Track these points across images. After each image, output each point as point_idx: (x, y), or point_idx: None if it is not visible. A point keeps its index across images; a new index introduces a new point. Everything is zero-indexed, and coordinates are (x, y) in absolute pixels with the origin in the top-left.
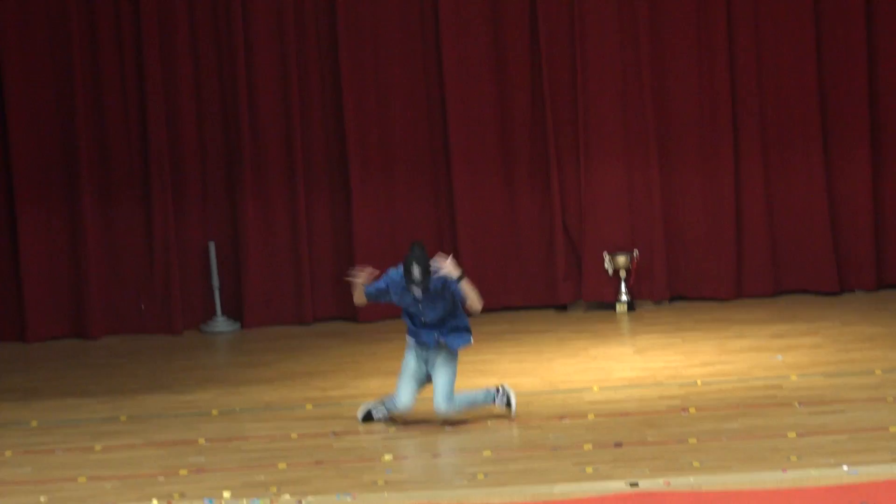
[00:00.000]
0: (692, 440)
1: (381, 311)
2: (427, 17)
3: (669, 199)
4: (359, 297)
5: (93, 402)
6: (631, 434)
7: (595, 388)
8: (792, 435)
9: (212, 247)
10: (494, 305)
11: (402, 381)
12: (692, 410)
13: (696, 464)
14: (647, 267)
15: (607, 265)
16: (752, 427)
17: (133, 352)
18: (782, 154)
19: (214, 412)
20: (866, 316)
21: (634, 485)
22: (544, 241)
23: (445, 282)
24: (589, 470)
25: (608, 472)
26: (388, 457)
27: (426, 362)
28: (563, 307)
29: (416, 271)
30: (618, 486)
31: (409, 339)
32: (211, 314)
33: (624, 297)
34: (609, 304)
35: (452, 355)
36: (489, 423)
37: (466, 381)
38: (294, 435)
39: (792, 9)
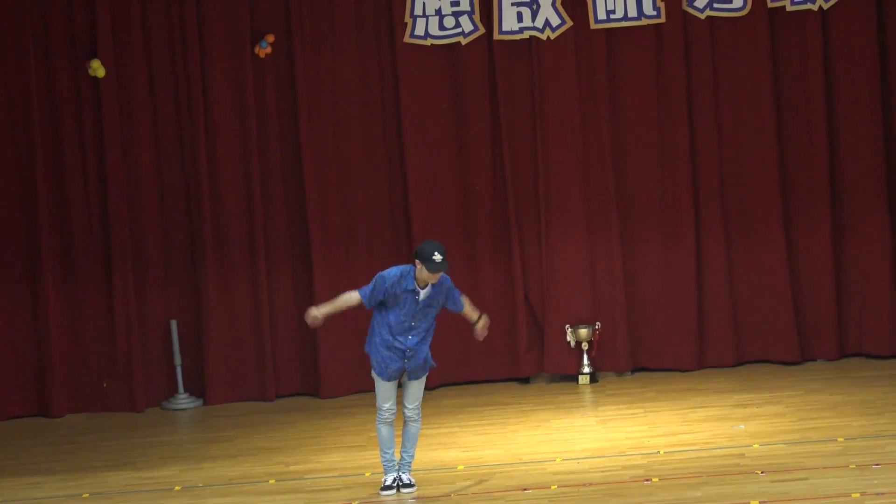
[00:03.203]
0: None
1: (344, 387)
2: (387, 93)
3: (631, 271)
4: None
5: (55, 479)
6: None
7: (558, 460)
8: (755, 503)
9: (173, 325)
10: (457, 379)
11: (384, 393)
12: (655, 480)
13: None
14: (610, 339)
15: (569, 338)
16: (715, 495)
17: (96, 429)
18: (743, 225)
19: (177, 488)
20: (828, 384)
21: None
22: (507, 315)
23: (447, 283)
24: None
25: None
26: None
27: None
28: (525, 380)
29: (437, 255)
30: None
31: (377, 369)
32: (173, 391)
33: (586, 369)
34: (572, 376)
35: (426, 373)
36: (452, 496)
37: (429, 454)
38: None
39: (751, 81)
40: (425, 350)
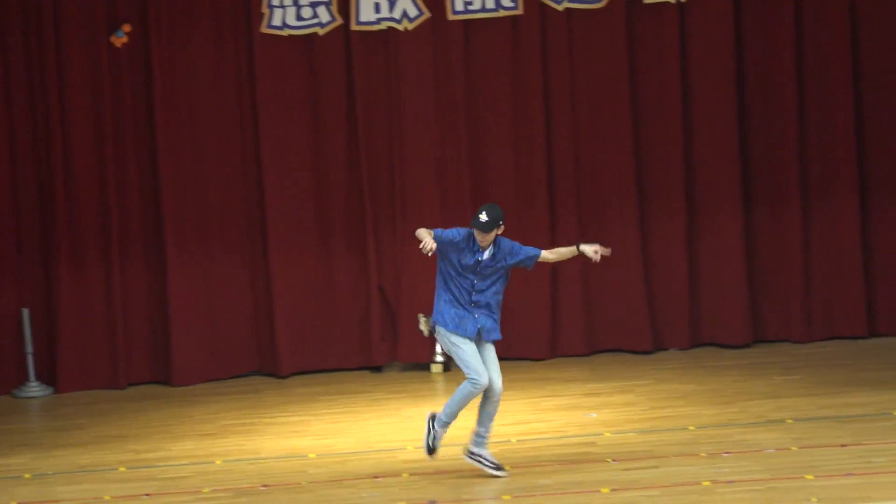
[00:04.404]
0: (506, 497)
1: (196, 375)
2: (244, 84)
3: None
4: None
5: None
6: (445, 492)
7: (410, 448)
8: (605, 491)
9: (25, 313)
10: (310, 367)
11: (475, 361)
12: (507, 468)
13: None
14: None
15: (422, 327)
16: (566, 483)
17: None
18: (598, 216)
19: (27, 476)
20: (680, 374)
21: None
22: (360, 305)
23: (507, 244)
24: None
25: None
26: None
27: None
28: (378, 368)
29: (483, 214)
30: None
31: (451, 326)
32: (24, 379)
33: (439, 358)
34: (424, 365)
35: (498, 336)
36: (303, 483)
37: (281, 442)
38: (107, 497)
39: (608, 73)
40: (493, 317)
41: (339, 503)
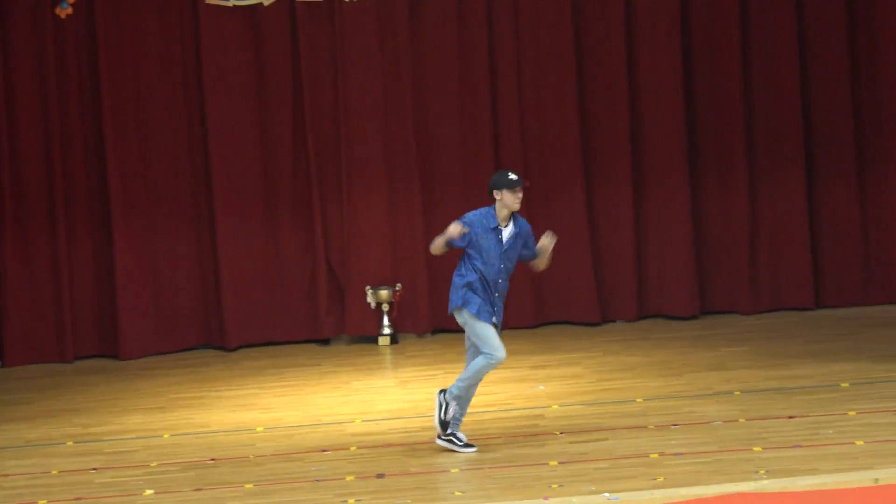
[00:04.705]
0: (454, 470)
1: (143, 349)
2: (188, 55)
3: (432, 233)
4: (438, 248)
5: None
6: (393, 465)
7: (357, 421)
8: (553, 463)
9: None
10: (257, 340)
11: (494, 337)
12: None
13: (458, 493)
14: (410, 300)
15: (370, 299)
16: (513, 456)
17: None
18: (544, 189)
19: None
20: (627, 346)
21: None
22: (307, 277)
23: (527, 228)
24: (351, 501)
25: (370, 503)
26: (149, 492)
27: None
28: (326, 341)
29: (511, 173)
30: None
31: (474, 310)
32: None
33: (387, 331)
34: (372, 338)
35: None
36: (251, 457)
37: (229, 416)
38: (55, 471)
39: (554, 47)
40: (502, 300)
41: (287, 476)
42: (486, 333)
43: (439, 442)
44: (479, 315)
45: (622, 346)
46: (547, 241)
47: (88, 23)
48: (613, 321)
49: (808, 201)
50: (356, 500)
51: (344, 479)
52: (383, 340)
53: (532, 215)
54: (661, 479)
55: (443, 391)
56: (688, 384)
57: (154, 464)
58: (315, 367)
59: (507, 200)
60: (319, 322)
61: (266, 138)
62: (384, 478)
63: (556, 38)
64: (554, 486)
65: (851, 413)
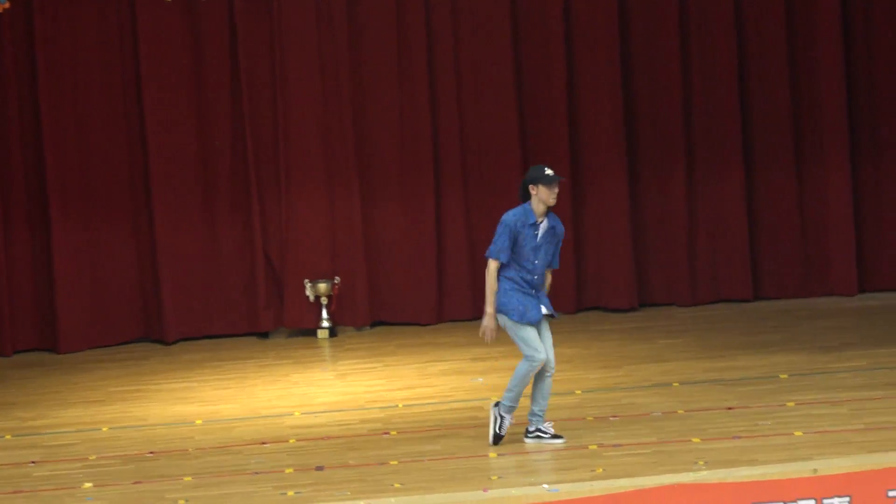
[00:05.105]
0: (393, 462)
1: (82, 342)
2: (127, 51)
3: (371, 226)
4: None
5: None
6: (332, 457)
7: (297, 413)
8: (493, 455)
9: None
10: (196, 333)
11: (535, 339)
12: (393, 433)
13: (397, 485)
14: (349, 293)
15: (308, 292)
16: (453, 448)
17: None
18: (482, 181)
19: None
20: (566, 338)
21: None
22: (245, 270)
23: (561, 230)
24: (290, 494)
25: (309, 495)
26: (87, 485)
27: None
28: (265, 334)
29: (547, 169)
30: None
31: (515, 316)
32: None
33: (325, 324)
34: (311, 331)
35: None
36: (190, 450)
37: (168, 409)
38: None
39: (493, 38)
40: (544, 293)
41: (225, 469)
42: (525, 336)
43: (528, 440)
44: (521, 319)
45: (561, 338)
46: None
47: (26, 15)
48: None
49: (746, 194)
50: (295, 493)
51: (283, 471)
52: (322, 333)
53: (470, 212)
54: (601, 470)
55: (497, 404)
56: (626, 376)
57: (93, 457)
58: (254, 360)
59: (543, 195)
60: (258, 315)
61: (204, 130)
62: (323, 470)
63: (495, 35)
64: (493, 477)
65: (790, 404)
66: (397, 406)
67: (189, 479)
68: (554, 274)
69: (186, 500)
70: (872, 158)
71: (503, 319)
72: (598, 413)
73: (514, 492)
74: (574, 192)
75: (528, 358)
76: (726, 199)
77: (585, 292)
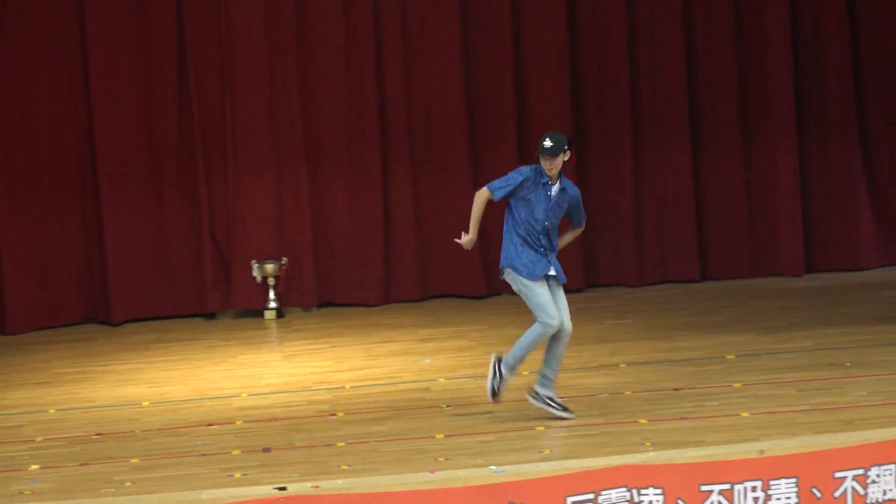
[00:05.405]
0: (340, 444)
1: (29, 323)
2: (73, 31)
3: (318, 207)
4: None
5: None
6: (279, 439)
7: (244, 395)
8: (440, 436)
9: None
10: (143, 315)
11: (549, 303)
12: (340, 414)
13: (344, 466)
14: (296, 274)
15: (256, 273)
16: (400, 429)
17: None
18: (430, 162)
19: None
20: (513, 318)
21: (282, 489)
22: (192, 251)
23: (577, 194)
24: (237, 475)
25: (256, 477)
26: (34, 466)
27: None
28: (212, 315)
29: (547, 140)
30: (265, 490)
31: (525, 271)
32: None
33: (272, 305)
34: (258, 312)
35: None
36: (137, 431)
37: (114, 390)
38: None
39: (440, 23)
40: (555, 255)
41: (173, 451)
42: (540, 300)
43: (531, 400)
44: (531, 275)
45: (508, 318)
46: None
47: None
48: (499, 294)
49: (693, 175)
50: (242, 474)
51: (230, 452)
52: (269, 314)
53: (418, 193)
54: (548, 451)
55: (499, 359)
56: (574, 356)
57: (39, 439)
58: (201, 341)
59: (544, 164)
60: (205, 296)
61: (151, 111)
62: (270, 452)
63: (443, 16)
64: (440, 458)
65: (737, 385)
66: (344, 387)
67: (136, 460)
68: (501, 254)
69: (133, 482)
70: (819, 139)
71: (515, 280)
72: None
73: (461, 473)
74: None
75: (541, 323)
76: (673, 179)
77: None
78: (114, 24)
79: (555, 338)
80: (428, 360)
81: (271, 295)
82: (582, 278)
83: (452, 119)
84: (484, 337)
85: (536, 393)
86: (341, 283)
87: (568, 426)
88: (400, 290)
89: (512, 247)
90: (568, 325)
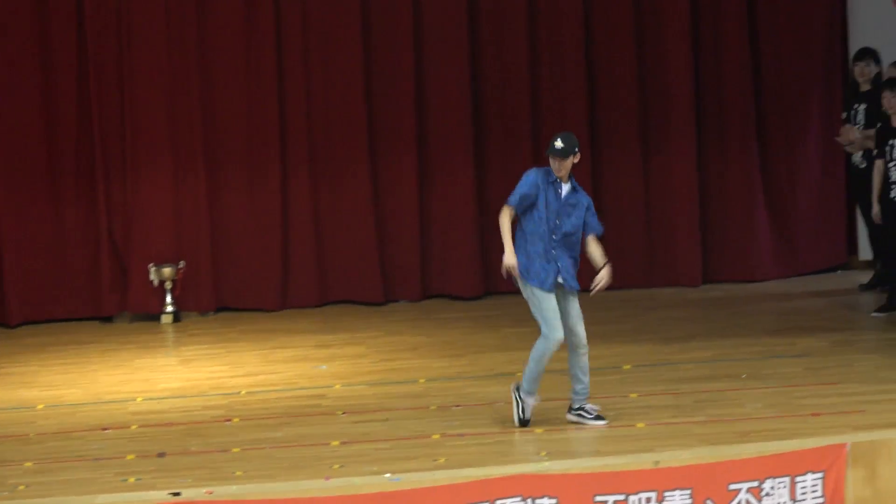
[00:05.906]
0: (235, 449)
1: None
2: None
3: (217, 211)
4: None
5: None
6: (174, 444)
7: (139, 399)
8: (335, 443)
9: None
10: (38, 317)
11: (555, 317)
12: (236, 420)
13: (239, 473)
14: (194, 278)
15: (153, 277)
16: (295, 436)
17: None
18: (330, 167)
19: None
20: (410, 326)
21: (176, 494)
22: (90, 253)
23: (588, 200)
24: (131, 480)
25: (151, 482)
26: None
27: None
28: (108, 319)
29: (559, 141)
30: (159, 495)
31: (535, 281)
32: None
33: (169, 309)
34: (155, 316)
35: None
36: (31, 435)
37: (9, 393)
38: None
39: (340, 21)
40: (572, 264)
41: (67, 455)
42: (546, 312)
43: (569, 417)
44: (541, 286)
45: (406, 325)
46: (602, 275)
47: None
48: (397, 301)
49: (591, 183)
50: (136, 479)
51: (125, 457)
52: (166, 318)
53: (317, 199)
54: (443, 459)
55: (518, 387)
56: (471, 365)
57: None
58: (97, 344)
59: (554, 165)
60: (102, 299)
61: (49, 109)
62: (165, 457)
63: (343, 17)
64: (336, 466)
65: (633, 395)
66: (240, 393)
67: (30, 464)
68: (400, 262)
69: (27, 486)
70: (718, 150)
71: (525, 288)
72: (442, 402)
73: (356, 481)
74: (420, 179)
75: (544, 336)
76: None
77: (430, 280)
78: (12, 23)
79: (572, 352)
80: (324, 367)
81: (168, 299)
82: (480, 286)
83: (352, 124)
84: (381, 344)
85: (570, 408)
86: (239, 287)
87: (464, 434)
88: (297, 296)
89: (525, 255)
90: (582, 334)
